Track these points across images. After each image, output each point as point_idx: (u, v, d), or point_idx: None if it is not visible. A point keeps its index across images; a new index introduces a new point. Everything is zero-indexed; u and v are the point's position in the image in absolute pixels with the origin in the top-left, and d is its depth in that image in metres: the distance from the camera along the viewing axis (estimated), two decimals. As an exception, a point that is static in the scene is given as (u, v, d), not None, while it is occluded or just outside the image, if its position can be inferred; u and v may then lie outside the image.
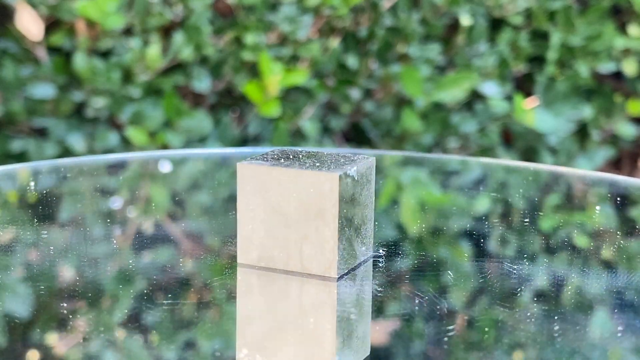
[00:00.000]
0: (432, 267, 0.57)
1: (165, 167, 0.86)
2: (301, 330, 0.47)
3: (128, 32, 1.29)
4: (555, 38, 1.44)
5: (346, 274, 0.51)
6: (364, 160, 0.52)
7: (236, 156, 0.89)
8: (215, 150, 1.06)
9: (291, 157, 0.52)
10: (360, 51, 1.40)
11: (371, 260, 0.54)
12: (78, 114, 1.29)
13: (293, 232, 0.50)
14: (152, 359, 0.45)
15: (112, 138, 1.27)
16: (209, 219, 0.69)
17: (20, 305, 0.50)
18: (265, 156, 0.52)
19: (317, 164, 0.51)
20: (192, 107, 1.34)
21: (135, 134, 1.25)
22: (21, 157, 1.25)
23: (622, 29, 1.52)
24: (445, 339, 0.46)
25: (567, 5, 1.44)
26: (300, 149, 0.55)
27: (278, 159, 0.52)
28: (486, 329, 0.48)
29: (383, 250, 0.56)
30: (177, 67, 1.32)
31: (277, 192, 0.50)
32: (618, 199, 0.76)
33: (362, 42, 1.41)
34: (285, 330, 0.47)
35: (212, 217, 0.70)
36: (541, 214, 0.72)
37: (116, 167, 0.86)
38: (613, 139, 1.54)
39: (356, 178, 0.51)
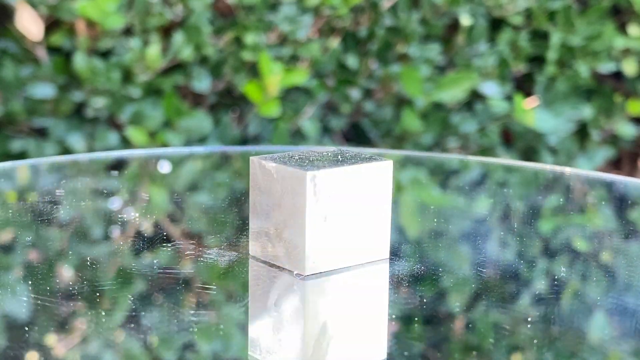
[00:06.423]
0: (431, 270, 0.57)
1: (165, 167, 0.86)
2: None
3: (128, 32, 1.29)
4: (555, 38, 1.44)
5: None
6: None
7: (236, 154, 0.89)
8: (215, 149, 1.06)
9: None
10: (360, 51, 1.40)
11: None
12: (78, 114, 1.29)
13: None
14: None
15: (112, 138, 1.27)
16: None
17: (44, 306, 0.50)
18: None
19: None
20: (192, 107, 1.34)
21: (135, 134, 1.25)
22: (21, 157, 1.25)
23: (622, 29, 1.51)
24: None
25: (567, 5, 1.44)
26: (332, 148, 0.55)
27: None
28: (484, 333, 0.48)
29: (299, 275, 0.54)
30: (177, 67, 1.32)
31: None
32: (618, 199, 0.76)
33: (362, 42, 1.40)
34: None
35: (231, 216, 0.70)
36: (540, 214, 0.72)
37: (117, 165, 0.86)
38: (613, 139, 1.54)
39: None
